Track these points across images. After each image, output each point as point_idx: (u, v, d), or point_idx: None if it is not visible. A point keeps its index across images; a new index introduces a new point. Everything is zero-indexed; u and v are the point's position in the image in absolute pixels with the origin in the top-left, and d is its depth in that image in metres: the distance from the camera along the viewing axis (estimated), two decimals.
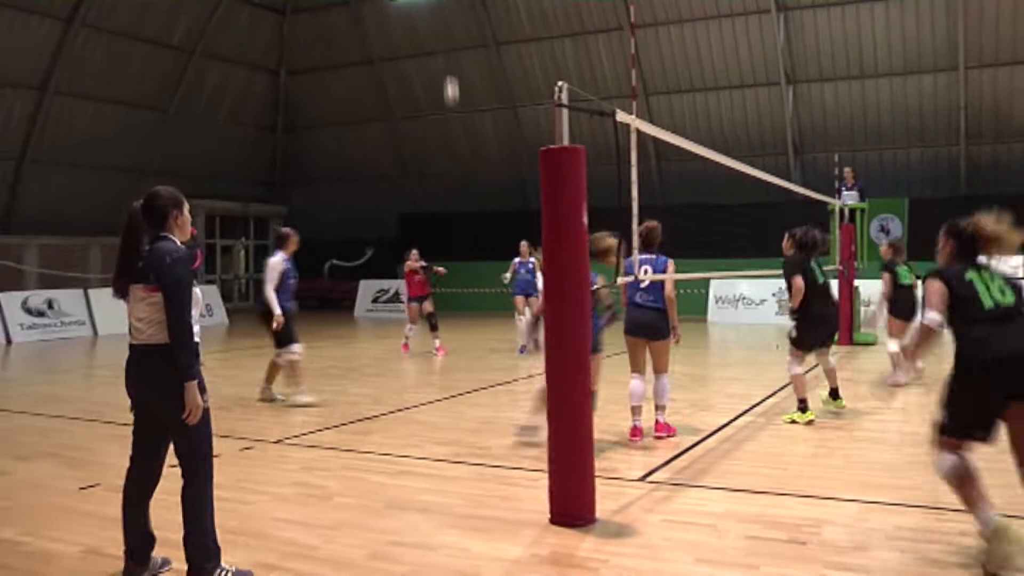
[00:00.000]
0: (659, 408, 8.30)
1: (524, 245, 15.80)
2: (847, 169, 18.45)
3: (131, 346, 4.56)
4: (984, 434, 4.91)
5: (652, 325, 8.04)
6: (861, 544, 5.19)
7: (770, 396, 10.72)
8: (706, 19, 24.60)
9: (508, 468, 7.06)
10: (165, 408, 4.42)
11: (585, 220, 5.57)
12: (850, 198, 17.70)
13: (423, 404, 10.40)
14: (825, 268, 9.58)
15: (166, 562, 4.75)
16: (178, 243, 4.54)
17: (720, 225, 19.22)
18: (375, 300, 27.93)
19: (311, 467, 7.28)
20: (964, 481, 4.92)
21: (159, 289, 4.36)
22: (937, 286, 5.30)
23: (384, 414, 9.73)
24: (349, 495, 6.37)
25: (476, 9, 26.79)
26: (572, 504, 5.54)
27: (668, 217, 9.65)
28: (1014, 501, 5.29)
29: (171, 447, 4.59)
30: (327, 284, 29.53)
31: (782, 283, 21.23)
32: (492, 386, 11.35)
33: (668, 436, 8.23)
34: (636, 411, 8.11)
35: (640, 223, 7.21)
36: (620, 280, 7.17)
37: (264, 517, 5.79)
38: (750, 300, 22.86)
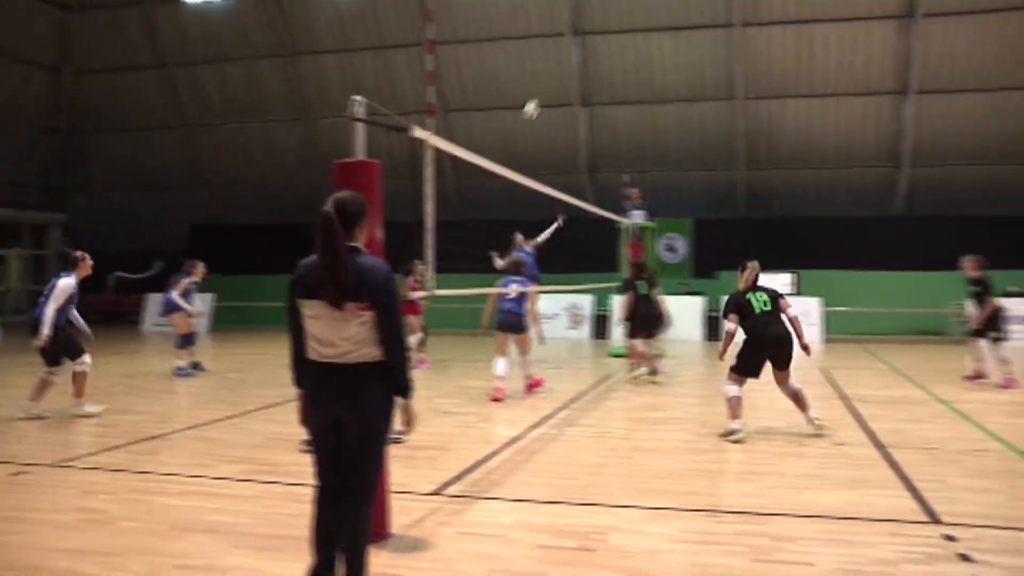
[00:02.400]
0: (527, 376, 12.20)
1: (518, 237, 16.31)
2: (635, 189, 19.17)
3: (328, 365, 4.24)
4: (754, 376, 9.11)
5: (513, 324, 11.81)
6: (647, 549, 5.40)
7: (561, 409, 10.99)
8: (504, 39, 25.06)
9: (300, 485, 6.92)
10: (367, 426, 4.28)
11: (380, 234, 5.57)
12: (638, 217, 18.37)
13: (213, 421, 10.06)
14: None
15: None
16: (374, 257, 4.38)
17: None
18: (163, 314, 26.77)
19: (92, 491, 6.88)
20: (736, 401, 9.00)
21: (373, 308, 4.17)
22: (733, 305, 9.22)
23: (172, 432, 9.34)
24: (133, 519, 6.08)
25: (274, 18, 26.27)
26: None
27: (466, 233, 9.82)
28: None
29: None
30: (112, 298, 28.00)
31: (573, 298, 21.74)
32: (285, 402, 11.10)
33: (538, 387, 12.22)
34: (500, 379, 11.56)
35: (438, 238, 7.25)
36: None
37: (38, 547, 5.44)
38: (543, 314, 23.30)
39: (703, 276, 24.34)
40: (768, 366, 9.07)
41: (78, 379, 10.23)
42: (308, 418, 4.40)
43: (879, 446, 8.55)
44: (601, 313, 23.06)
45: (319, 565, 4.35)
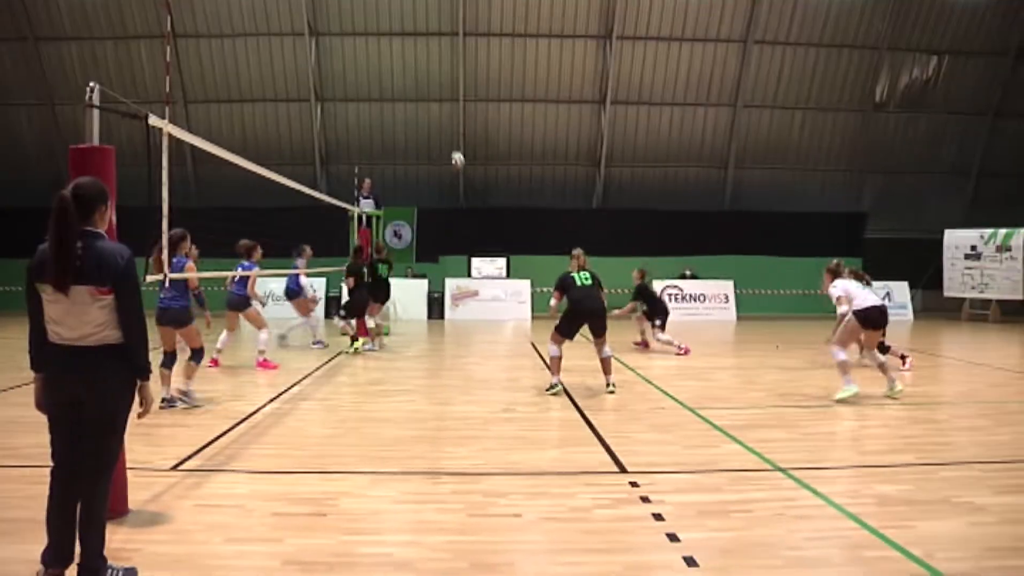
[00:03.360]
0: (260, 352, 12.22)
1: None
2: (366, 180, 19.16)
3: (69, 347, 4.05)
4: (570, 338, 10.22)
5: (235, 303, 12.16)
6: (373, 510, 5.48)
7: (294, 384, 10.84)
8: (245, 36, 24.16)
9: (38, 467, 6.41)
10: (107, 407, 4.11)
11: (114, 220, 5.28)
12: (367, 206, 18.36)
13: None
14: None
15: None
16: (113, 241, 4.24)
17: (253, 227, 18.94)
18: None
19: None
20: (557, 361, 10.14)
21: (113, 291, 4.03)
22: (559, 283, 10.31)
23: None
24: None
25: (12, 2, 23.82)
26: None
27: (203, 219, 9.48)
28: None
29: None
30: None
31: (311, 280, 21.22)
32: (23, 385, 10.23)
33: (268, 369, 11.95)
34: (217, 350, 12.03)
35: (171, 224, 6.95)
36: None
37: None
38: (279, 297, 22.81)
39: (427, 260, 24.70)
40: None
41: None
42: (44, 400, 4.18)
43: (578, 409, 9.08)
44: (333, 295, 22.90)
45: (56, 545, 4.11)
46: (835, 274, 10.17)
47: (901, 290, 24.31)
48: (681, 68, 24.80)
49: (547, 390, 10.11)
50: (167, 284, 8.51)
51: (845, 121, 25.86)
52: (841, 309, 9.74)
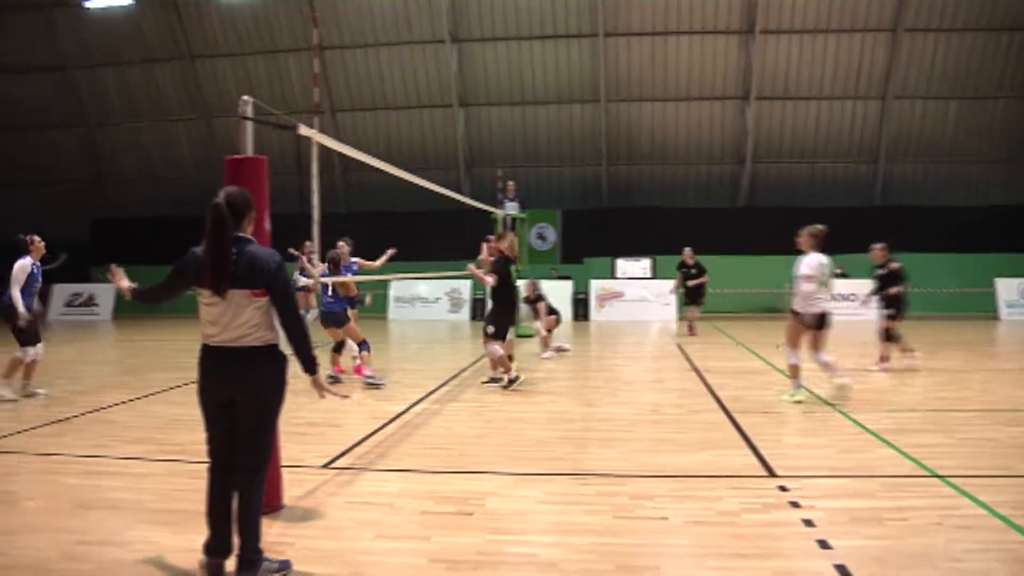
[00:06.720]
0: (354, 358, 11.56)
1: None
2: (510, 182, 19.27)
3: (223, 349, 4.20)
4: (503, 336, 10.41)
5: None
6: (519, 510, 5.45)
7: (442, 385, 10.98)
8: (388, 45, 24.85)
9: (199, 462, 6.71)
10: (259, 406, 4.23)
11: (268, 226, 5.43)
12: (512, 208, 18.44)
13: (117, 404, 9.65)
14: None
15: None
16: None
17: (399, 231, 19.42)
18: (69, 304, 25.80)
19: None
20: (503, 359, 10.24)
21: (267, 293, 4.17)
22: (503, 267, 10.40)
23: (77, 416, 8.92)
24: (36, 498, 5.80)
25: (172, 22, 25.34)
26: None
27: (352, 224, 9.74)
28: None
29: None
30: None
31: (454, 283, 21.63)
32: (186, 384, 10.73)
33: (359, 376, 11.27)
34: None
35: (323, 230, 7.12)
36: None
37: None
38: (426, 299, 23.29)
39: (571, 262, 24.68)
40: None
41: (32, 365, 10.25)
42: (200, 399, 4.33)
43: (725, 411, 8.83)
44: (479, 296, 23.15)
45: (216, 537, 4.27)
46: (817, 242, 9.40)
47: None
48: (828, 60, 23.94)
49: (509, 385, 10.39)
50: (330, 292, 10.41)
51: (1006, 109, 24.33)
52: (806, 287, 9.13)
